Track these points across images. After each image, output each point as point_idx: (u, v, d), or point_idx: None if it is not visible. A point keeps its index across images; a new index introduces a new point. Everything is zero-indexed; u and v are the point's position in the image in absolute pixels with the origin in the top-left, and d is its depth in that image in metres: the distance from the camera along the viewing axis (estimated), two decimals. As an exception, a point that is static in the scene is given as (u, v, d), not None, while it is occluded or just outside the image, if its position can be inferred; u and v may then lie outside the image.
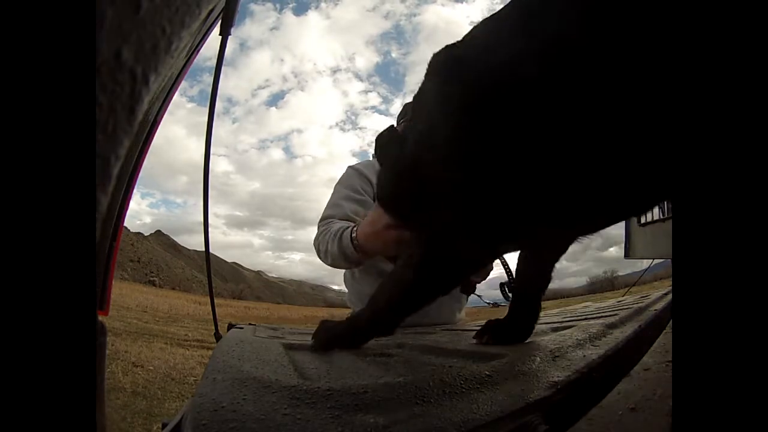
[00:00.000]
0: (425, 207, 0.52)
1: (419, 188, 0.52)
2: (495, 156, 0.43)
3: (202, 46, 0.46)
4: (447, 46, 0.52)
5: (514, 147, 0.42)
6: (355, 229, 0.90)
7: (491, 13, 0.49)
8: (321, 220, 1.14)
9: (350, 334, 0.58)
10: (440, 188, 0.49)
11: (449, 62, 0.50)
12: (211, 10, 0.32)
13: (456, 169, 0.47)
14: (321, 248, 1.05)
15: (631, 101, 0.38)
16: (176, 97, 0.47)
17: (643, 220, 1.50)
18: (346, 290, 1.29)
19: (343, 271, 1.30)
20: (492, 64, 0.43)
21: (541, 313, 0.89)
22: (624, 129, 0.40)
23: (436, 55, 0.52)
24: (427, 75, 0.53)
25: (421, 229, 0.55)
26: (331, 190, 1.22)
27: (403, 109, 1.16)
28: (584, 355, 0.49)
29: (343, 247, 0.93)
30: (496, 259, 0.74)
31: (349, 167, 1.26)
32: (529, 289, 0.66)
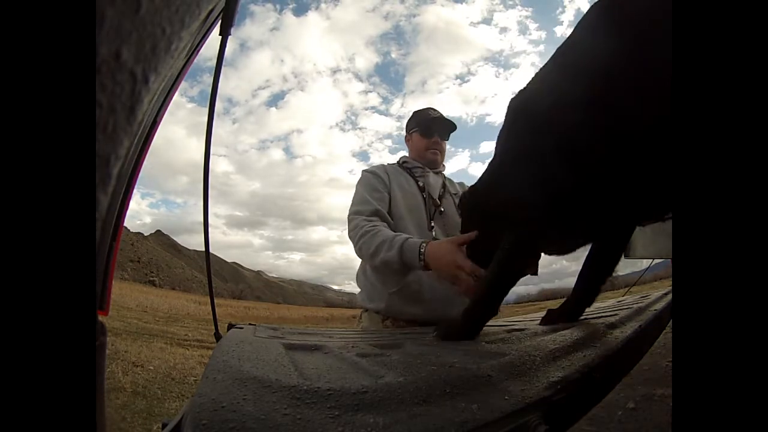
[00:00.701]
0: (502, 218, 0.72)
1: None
2: (549, 175, 0.62)
3: (202, 46, 0.45)
4: (519, 91, 0.74)
5: (563, 171, 0.61)
6: (423, 247, 1.05)
7: (547, 61, 0.71)
8: (351, 214, 1.30)
9: (466, 326, 0.71)
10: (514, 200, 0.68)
11: (518, 105, 0.73)
12: (211, 10, 0.32)
13: (522, 186, 0.66)
14: (366, 249, 1.18)
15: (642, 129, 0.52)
16: (176, 97, 0.47)
17: (643, 220, 1.49)
18: (349, 291, 1.35)
19: (345, 272, 1.38)
20: (541, 108, 0.66)
21: (541, 313, 0.90)
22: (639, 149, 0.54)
23: (512, 99, 0.74)
24: (505, 115, 0.76)
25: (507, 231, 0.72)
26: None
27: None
28: (584, 355, 0.49)
29: (405, 257, 1.08)
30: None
31: (364, 171, 1.43)
32: (592, 278, 0.81)
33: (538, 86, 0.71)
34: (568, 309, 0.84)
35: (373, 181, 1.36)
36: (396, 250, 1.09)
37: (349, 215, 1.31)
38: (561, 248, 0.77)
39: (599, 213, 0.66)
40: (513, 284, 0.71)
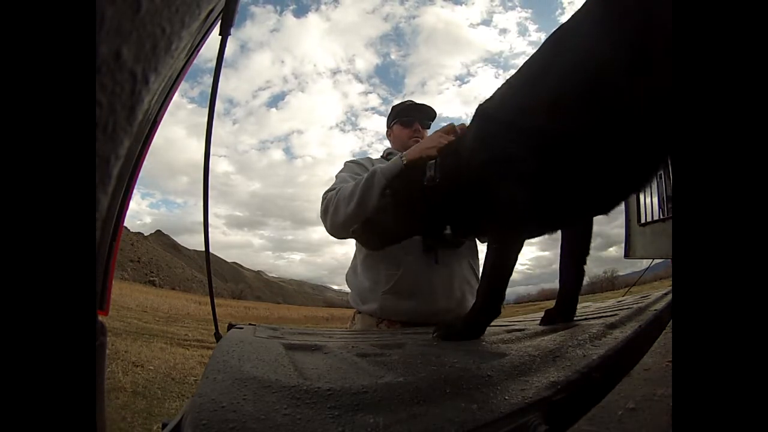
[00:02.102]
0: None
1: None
2: (512, 165, 0.72)
3: (202, 46, 0.46)
4: (486, 99, 0.87)
5: (522, 161, 0.71)
6: (402, 154, 1.10)
7: (512, 73, 0.83)
8: (327, 191, 1.23)
9: (469, 327, 0.72)
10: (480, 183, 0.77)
11: (485, 109, 0.84)
12: (211, 10, 0.32)
13: (487, 173, 0.76)
14: (342, 202, 1.13)
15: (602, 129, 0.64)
16: (177, 97, 0.47)
17: (643, 220, 1.50)
18: (349, 291, 1.31)
19: (345, 272, 1.33)
20: (505, 112, 0.79)
21: (541, 314, 0.90)
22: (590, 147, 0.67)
23: (480, 105, 0.86)
24: (473, 117, 0.88)
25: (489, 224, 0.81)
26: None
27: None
28: (584, 355, 0.49)
29: (388, 168, 1.08)
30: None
31: (346, 162, 1.40)
32: (570, 279, 0.88)
33: (511, 91, 0.80)
34: (563, 303, 0.87)
35: (356, 168, 1.31)
36: (374, 169, 1.09)
37: (324, 193, 1.23)
38: (539, 233, 0.85)
39: (572, 199, 0.75)
40: (509, 277, 0.75)
